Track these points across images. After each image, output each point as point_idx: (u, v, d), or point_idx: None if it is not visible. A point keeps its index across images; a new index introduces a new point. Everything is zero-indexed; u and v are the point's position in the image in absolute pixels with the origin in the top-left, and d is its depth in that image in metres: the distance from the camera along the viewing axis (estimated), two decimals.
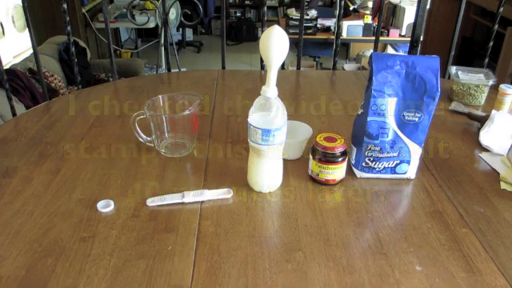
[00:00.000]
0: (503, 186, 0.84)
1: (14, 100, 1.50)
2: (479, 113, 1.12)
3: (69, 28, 1.41)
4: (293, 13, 3.85)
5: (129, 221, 0.72)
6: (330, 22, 3.96)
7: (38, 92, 2.51)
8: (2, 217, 0.73)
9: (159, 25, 4.07)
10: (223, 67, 1.59)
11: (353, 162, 0.86)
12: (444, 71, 1.52)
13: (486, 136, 0.98)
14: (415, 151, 0.82)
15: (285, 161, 0.84)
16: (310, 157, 0.82)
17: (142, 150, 0.93)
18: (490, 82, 1.18)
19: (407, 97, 0.78)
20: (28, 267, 0.63)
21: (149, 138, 0.92)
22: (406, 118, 0.79)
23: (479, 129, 1.02)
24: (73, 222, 0.72)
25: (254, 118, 0.74)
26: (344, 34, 3.82)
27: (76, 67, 1.51)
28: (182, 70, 4.31)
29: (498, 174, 0.88)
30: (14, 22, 3.25)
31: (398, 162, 0.83)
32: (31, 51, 2.76)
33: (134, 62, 3.60)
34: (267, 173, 0.79)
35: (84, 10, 3.94)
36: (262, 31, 0.79)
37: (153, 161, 0.90)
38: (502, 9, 1.43)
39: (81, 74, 2.43)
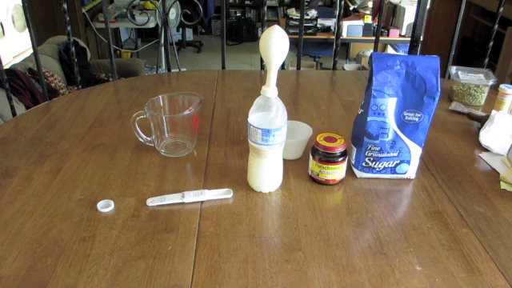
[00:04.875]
0: (503, 185, 0.84)
1: (13, 100, 1.50)
2: (479, 113, 1.12)
3: (69, 28, 1.41)
4: (293, 13, 3.85)
5: (129, 221, 0.72)
6: (330, 22, 3.96)
7: (38, 92, 2.51)
8: (1, 217, 0.73)
9: (159, 25, 4.07)
10: (223, 67, 1.59)
11: (353, 162, 0.86)
12: (444, 71, 1.52)
13: (486, 136, 0.98)
14: (415, 151, 0.82)
15: (285, 161, 0.84)
16: (310, 157, 0.82)
17: (142, 150, 0.93)
18: (490, 82, 1.18)
19: (407, 97, 0.78)
20: (28, 267, 0.63)
21: (149, 138, 0.92)
22: (406, 118, 0.79)
23: (479, 129, 1.02)
24: (73, 222, 0.72)
25: (254, 118, 0.74)
26: (344, 34, 3.82)
27: (76, 67, 1.51)
28: (182, 70, 4.30)
29: (498, 173, 0.88)
30: (13, 21, 3.25)
31: (398, 161, 0.83)
32: (31, 51, 2.76)
33: (134, 62, 3.60)
34: (267, 173, 0.79)
35: (84, 10, 3.94)
36: (262, 31, 0.79)
37: (153, 161, 0.90)
38: (502, 9, 1.43)
39: (81, 74, 2.44)
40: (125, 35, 5.40)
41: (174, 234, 0.70)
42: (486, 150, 0.97)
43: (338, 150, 0.80)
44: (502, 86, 1.12)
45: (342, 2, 1.56)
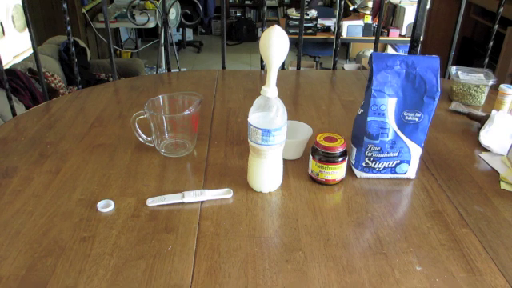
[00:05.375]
0: (503, 185, 0.84)
1: (13, 100, 1.50)
2: (479, 113, 1.12)
3: (69, 28, 1.41)
4: (293, 13, 3.85)
5: (129, 221, 0.72)
6: (330, 22, 3.96)
7: (38, 92, 2.51)
8: (1, 217, 0.73)
9: (159, 25, 4.07)
10: (223, 67, 1.59)
11: (353, 162, 0.86)
12: (444, 71, 1.52)
13: (486, 136, 0.98)
14: (415, 151, 0.82)
15: (285, 161, 0.84)
16: (310, 157, 0.82)
17: (142, 150, 0.93)
18: (490, 82, 1.18)
19: (407, 97, 0.78)
20: (28, 267, 0.63)
21: (149, 138, 0.92)
22: (406, 118, 0.79)
23: (479, 129, 1.02)
24: (73, 222, 0.72)
25: (254, 118, 0.74)
26: (344, 34, 3.82)
27: (76, 67, 1.51)
28: (182, 70, 4.30)
29: (498, 173, 0.88)
30: (13, 21, 3.25)
31: (398, 161, 0.83)
32: (31, 51, 2.76)
33: (134, 62, 3.60)
34: (267, 173, 0.79)
35: (84, 10, 3.94)
36: (262, 31, 0.79)
37: (153, 161, 0.90)
38: (502, 9, 1.43)
39: (81, 74, 2.43)
40: (125, 35, 5.40)
41: (174, 233, 0.70)
42: (486, 150, 0.97)
43: (338, 150, 0.80)
44: (502, 86, 1.12)
45: (342, 2, 1.56)
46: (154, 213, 0.74)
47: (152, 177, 0.84)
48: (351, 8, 4.49)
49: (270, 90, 0.72)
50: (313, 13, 3.85)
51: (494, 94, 1.19)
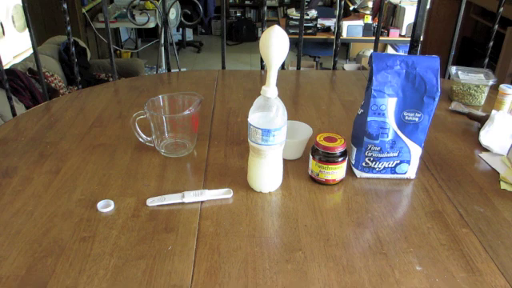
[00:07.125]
0: (503, 186, 0.84)
1: (13, 100, 1.50)
2: (479, 113, 1.12)
3: (69, 28, 1.41)
4: (293, 13, 3.85)
5: (129, 221, 0.72)
6: (330, 22, 3.96)
7: (38, 92, 2.51)
8: (1, 217, 0.73)
9: (159, 25, 4.07)
10: (223, 67, 1.59)
11: (353, 162, 0.86)
12: (444, 71, 1.52)
13: (486, 136, 0.98)
14: (415, 151, 0.82)
15: (285, 161, 0.84)
16: (310, 157, 0.82)
17: (142, 150, 0.93)
18: (490, 82, 1.18)
19: (407, 97, 0.78)
20: (28, 267, 0.63)
21: (149, 138, 0.92)
22: (406, 118, 0.79)
23: (479, 129, 1.02)
24: (73, 222, 0.72)
25: (254, 118, 0.74)
26: (344, 34, 3.82)
27: (76, 67, 1.51)
28: (182, 69, 4.30)
29: (498, 173, 0.88)
30: (13, 21, 3.25)
31: (398, 161, 0.83)
32: (31, 51, 2.76)
33: (134, 62, 3.60)
34: (267, 173, 0.79)
35: (84, 10, 3.94)
36: (262, 31, 0.79)
37: (153, 161, 0.90)
38: (502, 9, 1.43)
39: (81, 74, 2.44)
40: (125, 35, 5.40)
41: (174, 234, 0.70)
42: (486, 150, 0.97)
43: (338, 150, 0.80)
44: (502, 86, 1.12)
45: (342, 2, 1.56)
46: (154, 213, 0.74)
47: (152, 177, 0.85)
48: (351, 8, 4.49)
49: (270, 90, 0.72)
50: (313, 13, 3.85)
51: (494, 94, 1.19)
